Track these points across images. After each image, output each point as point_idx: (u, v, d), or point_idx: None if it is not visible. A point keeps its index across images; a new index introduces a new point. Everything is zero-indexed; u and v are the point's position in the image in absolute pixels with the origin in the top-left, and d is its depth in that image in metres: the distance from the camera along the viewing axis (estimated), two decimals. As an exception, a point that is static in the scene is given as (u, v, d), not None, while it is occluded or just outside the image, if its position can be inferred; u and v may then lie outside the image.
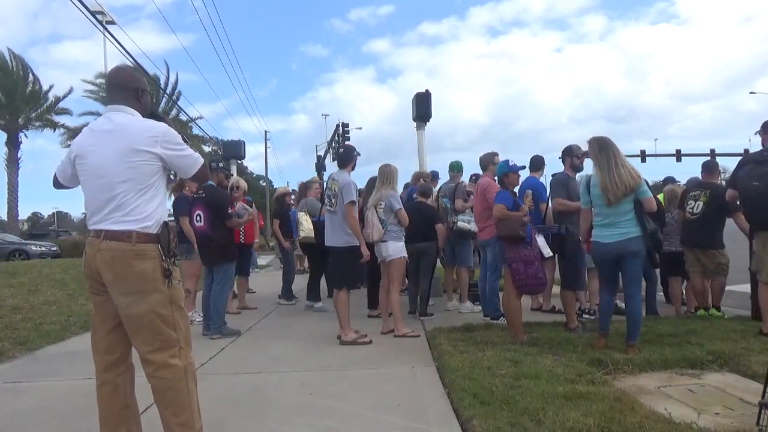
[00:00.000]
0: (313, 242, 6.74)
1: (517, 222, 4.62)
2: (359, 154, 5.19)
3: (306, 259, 9.35)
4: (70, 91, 26.92)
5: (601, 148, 4.12)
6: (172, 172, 2.45)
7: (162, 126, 2.36)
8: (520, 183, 5.50)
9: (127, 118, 2.34)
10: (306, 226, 6.77)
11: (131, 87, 2.41)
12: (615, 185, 3.97)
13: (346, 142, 22.10)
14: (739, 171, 4.55)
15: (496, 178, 5.47)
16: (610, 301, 4.35)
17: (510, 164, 5.09)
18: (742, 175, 4.45)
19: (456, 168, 6.96)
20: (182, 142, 2.40)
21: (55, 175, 2.51)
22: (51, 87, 27.17)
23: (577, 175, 5.26)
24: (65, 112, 27.22)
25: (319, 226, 6.40)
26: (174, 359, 2.31)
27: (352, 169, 5.19)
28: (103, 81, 24.55)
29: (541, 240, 4.83)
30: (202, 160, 2.45)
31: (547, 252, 4.87)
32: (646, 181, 6.24)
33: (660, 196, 6.54)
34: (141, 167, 2.27)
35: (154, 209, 2.31)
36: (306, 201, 7.11)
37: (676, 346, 4.13)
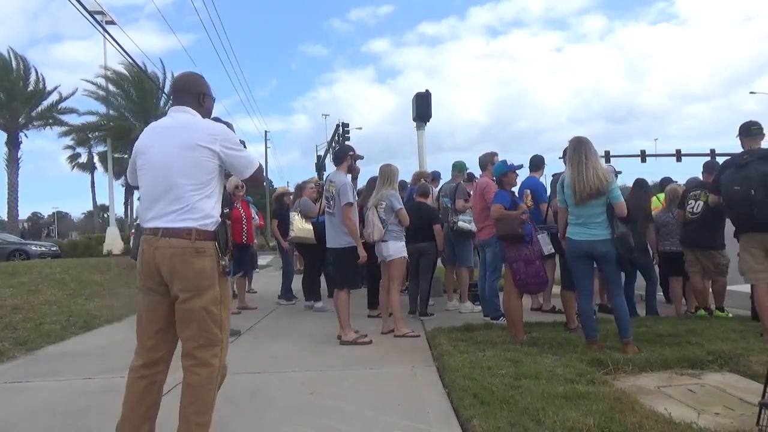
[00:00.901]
0: (306, 242, 6.74)
1: (515, 221, 4.62)
2: (361, 157, 5.18)
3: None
4: (75, 91, 26.93)
5: (575, 148, 4.16)
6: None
7: (222, 126, 2.46)
8: (518, 183, 5.49)
9: (188, 117, 2.43)
10: (297, 226, 6.76)
11: (194, 91, 2.50)
12: (582, 185, 4.01)
13: (347, 143, 22.12)
14: (721, 175, 4.56)
15: (494, 178, 5.47)
16: (588, 305, 4.32)
17: (508, 164, 5.09)
18: (724, 180, 4.46)
19: (458, 168, 6.96)
20: (240, 143, 2.47)
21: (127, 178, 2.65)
22: (56, 87, 27.13)
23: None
24: (69, 111, 27.26)
25: (317, 226, 6.42)
26: (214, 359, 2.35)
27: (355, 172, 5.18)
28: (103, 77, 24.60)
29: (543, 238, 4.83)
30: (258, 164, 2.49)
31: (549, 249, 4.87)
32: (644, 180, 6.32)
33: (661, 196, 6.55)
34: (200, 162, 2.32)
35: (212, 208, 2.36)
36: (299, 201, 7.12)
37: (676, 346, 4.14)
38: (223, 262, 2.36)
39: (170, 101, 2.55)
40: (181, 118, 2.43)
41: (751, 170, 4.22)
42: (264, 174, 2.65)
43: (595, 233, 4.10)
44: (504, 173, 5.04)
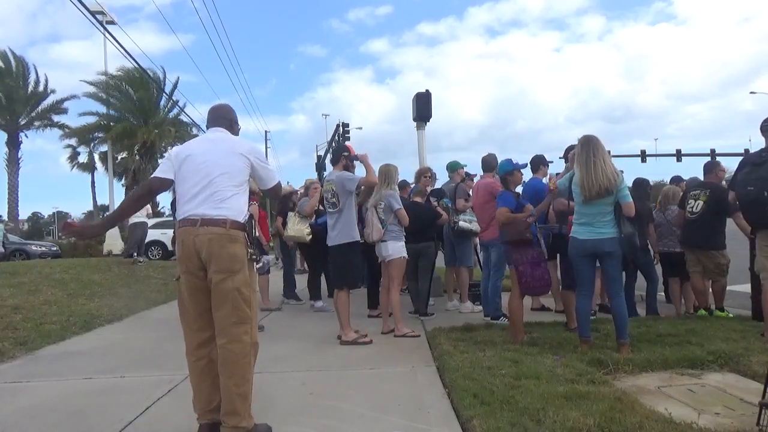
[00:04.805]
0: (302, 242, 6.76)
1: (522, 224, 4.60)
2: (357, 157, 5.17)
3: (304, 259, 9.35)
4: (75, 93, 26.99)
5: (583, 146, 4.14)
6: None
7: (252, 143, 3.08)
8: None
9: (226, 135, 2.96)
10: (289, 225, 6.77)
11: (228, 118, 3.05)
12: (590, 183, 3.99)
13: (344, 143, 22.11)
14: (738, 173, 4.54)
15: (497, 177, 5.45)
16: (587, 305, 4.30)
17: (513, 162, 5.05)
18: (740, 179, 4.45)
19: (453, 167, 6.95)
20: (266, 159, 3.00)
21: (153, 179, 2.86)
22: (54, 90, 27.22)
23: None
24: (64, 111, 27.31)
25: (316, 228, 6.43)
26: (245, 336, 2.68)
27: (352, 171, 5.18)
28: (103, 79, 24.62)
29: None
30: (279, 178, 3.04)
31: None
32: (645, 180, 6.32)
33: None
34: (236, 165, 2.79)
35: (243, 204, 2.79)
36: (300, 201, 7.14)
37: (676, 346, 4.13)
38: (251, 250, 2.75)
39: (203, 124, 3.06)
40: (220, 135, 2.93)
41: (765, 170, 4.19)
42: (281, 187, 3.19)
43: (602, 232, 4.06)
44: (510, 172, 4.99)
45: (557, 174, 5.57)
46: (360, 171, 5.49)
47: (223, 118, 3.01)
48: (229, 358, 2.63)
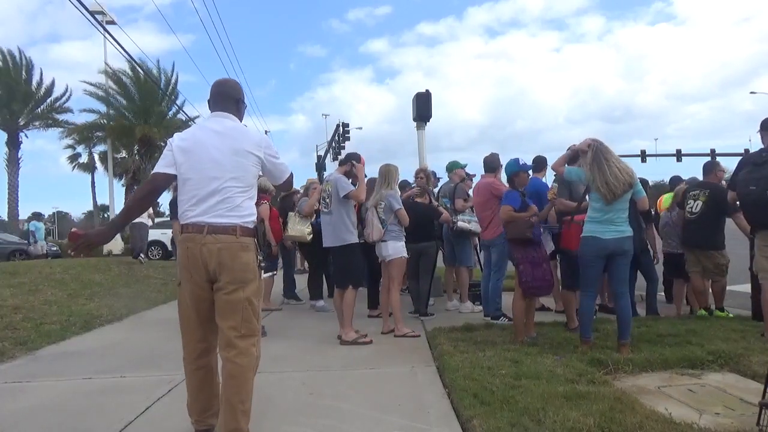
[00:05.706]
0: (302, 241, 6.77)
1: (524, 224, 4.60)
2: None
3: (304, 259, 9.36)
4: (75, 92, 27.01)
5: (593, 155, 4.12)
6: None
7: (262, 134, 2.72)
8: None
9: (234, 123, 2.66)
10: (289, 225, 6.78)
11: (235, 97, 2.72)
12: (614, 184, 3.98)
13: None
14: (738, 173, 4.54)
15: (503, 177, 5.44)
16: (591, 306, 4.30)
17: (520, 163, 5.03)
18: (741, 178, 4.44)
19: (452, 167, 6.96)
20: (277, 151, 2.71)
21: (157, 175, 2.58)
22: (54, 86, 27.19)
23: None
24: (69, 111, 27.37)
25: (315, 228, 6.44)
26: (253, 348, 2.53)
27: (353, 179, 5.19)
28: (103, 75, 24.60)
29: (544, 237, 4.80)
30: (291, 170, 2.79)
31: (550, 247, 4.83)
32: (645, 180, 6.31)
33: (668, 196, 6.49)
34: (247, 167, 2.56)
35: (252, 208, 2.59)
36: (301, 201, 7.15)
37: (676, 346, 4.14)
38: (260, 257, 2.58)
39: (208, 103, 2.74)
40: (228, 124, 2.64)
41: (766, 170, 4.18)
42: (293, 178, 2.95)
43: (623, 230, 4.09)
44: (516, 173, 4.97)
45: (555, 175, 5.57)
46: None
47: (229, 97, 2.70)
48: (236, 372, 2.47)
